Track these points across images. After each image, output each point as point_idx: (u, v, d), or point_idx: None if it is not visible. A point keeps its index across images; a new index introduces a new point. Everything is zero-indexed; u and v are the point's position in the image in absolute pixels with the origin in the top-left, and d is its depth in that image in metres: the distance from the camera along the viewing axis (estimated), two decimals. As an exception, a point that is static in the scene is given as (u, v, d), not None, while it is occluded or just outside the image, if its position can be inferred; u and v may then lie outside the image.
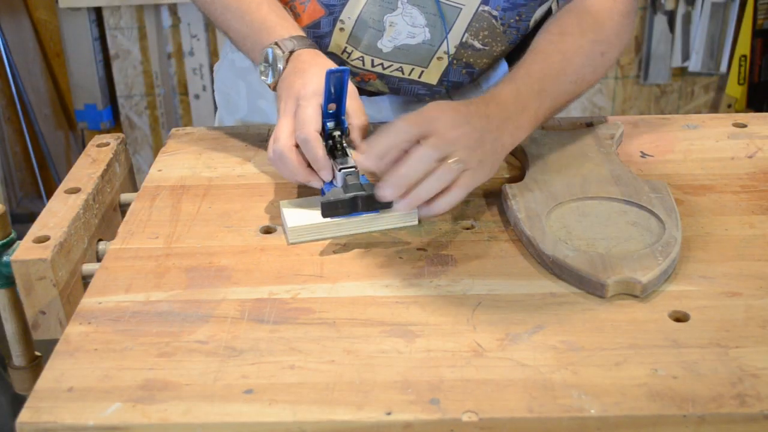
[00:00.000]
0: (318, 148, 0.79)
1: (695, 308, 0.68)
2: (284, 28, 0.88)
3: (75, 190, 0.87)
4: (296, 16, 0.96)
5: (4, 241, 0.78)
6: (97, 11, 2.39)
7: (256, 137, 1.01)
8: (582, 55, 0.89)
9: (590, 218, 0.79)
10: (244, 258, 0.77)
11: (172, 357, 0.64)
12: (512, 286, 0.72)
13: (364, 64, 0.98)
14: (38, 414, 0.59)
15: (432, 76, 0.99)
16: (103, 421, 0.58)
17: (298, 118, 0.80)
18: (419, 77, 0.99)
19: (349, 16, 0.94)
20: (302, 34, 0.89)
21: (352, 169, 0.79)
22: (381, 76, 0.99)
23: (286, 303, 0.71)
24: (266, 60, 0.87)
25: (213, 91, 1.16)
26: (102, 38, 2.43)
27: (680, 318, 0.67)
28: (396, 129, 0.74)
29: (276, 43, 0.86)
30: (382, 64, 0.98)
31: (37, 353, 0.84)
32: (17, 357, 0.82)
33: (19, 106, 2.38)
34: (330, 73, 0.78)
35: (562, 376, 0.61)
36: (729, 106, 2.60)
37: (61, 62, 2.47)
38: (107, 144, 0.96)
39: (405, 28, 0.94)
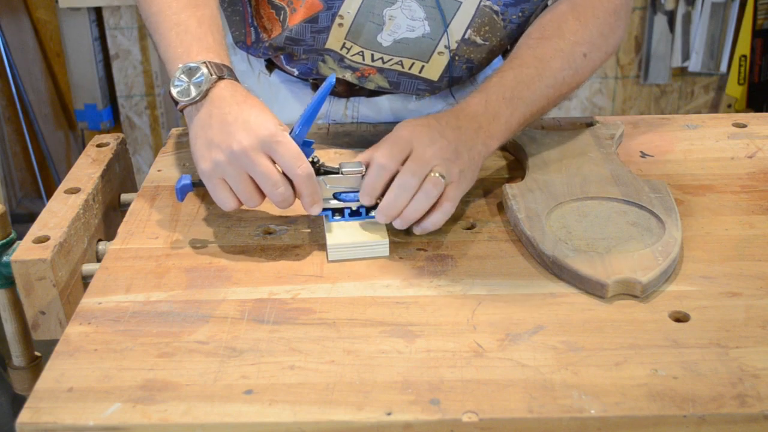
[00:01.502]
0: (317, 184, 0.77)
1: (695, 308, 0.68)
2: (217, 54, 0.82)
3: (75, 190, 0.87)
4: (293, 11, 0.95)
5: (4, 241, 0.78)
6: (97, 11, 2.39)
7: (256, 137, 1.01)
8: (560, 59, 0.88)
9: (590, 218, 0.79)
10: (244, 258, 0.77)
11: (172, 357, 0.64)
12: (512, 286, 0.72)
13: (363, 59, 0.98)
14: (38, 414, 0.59)
15: (433, 71, 0.99)
16: (103, 422, 0.58)
17: (287, 155, 0.74)
18: (420, 72, 0.99)
19: (348, 11, 0.93)
20: (230, 65, 0.83)
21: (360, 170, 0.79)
22: (380, 70, 0.99)
23: (286, 303, 0.71)
24: (188, 74, 0.79)
25: None
26: (102, 38, 2.42)
27: (680, 318, 0.67)
28: (377, 168, 0.77)
29: (207, 63, 0.79)
30: (381, 58, 0.97)
31: (37, 353, 0.84)
32: (17, 357, 0.82)
33: (19, 106, 2.38)
34: (330, 84, 0.76)
35: (562, 376, 0.61)
36: (729, 106, 2.60)
37: (61, 62, 2.47)
38: (107, 144, 0.96)
39: (404, 21, 0.94)
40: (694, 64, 2.55)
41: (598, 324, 0.67)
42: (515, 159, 0.95)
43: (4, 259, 0.77)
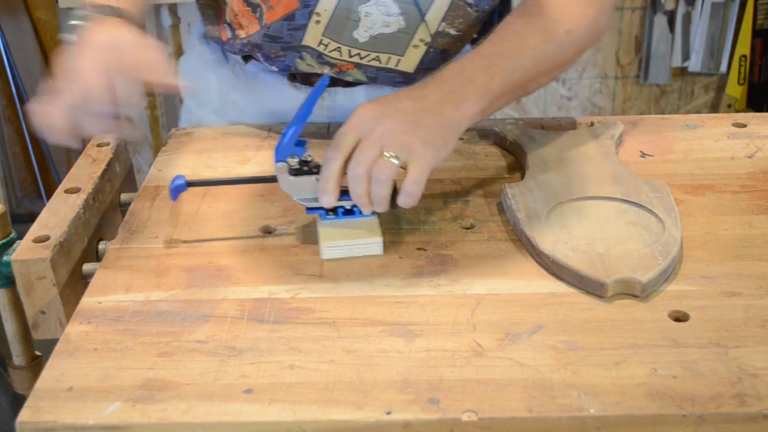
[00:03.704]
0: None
1: (695, 308, 0.68)
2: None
3: (75, 190, 0.87)
4: (269, 9, 0.96)
5: (4, 241, 0.78)
6: (98, 11, 2.39)
7: (256, 137, 1.01)
8: (541, 34, 0.87)
9: (590, 218, 0.79)
10: (244, 258, 0.77)
11: (172, 357, 0.64)
12: (512, 286, 0.72)
13: (341, 55, 0.99)
14: (38, 413, 0.59)
15: (409, 63, 1.01)
16: (103, 421, 0.58)
17: None
18: (396, 65, 1.01)
19: (325, 8, 0.94)
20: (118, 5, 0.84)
21: None
22: (358, 66, 1.00)
23: (286, 303, 0.71)
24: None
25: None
26: (102, 38, 2.42)
27: (680, 318, 0.67)
28: (325, 162, 0.75)
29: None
30: (359, 54, 0.98)
31: (37, 353, 0.84)
32: (17, 357, 0.83)
33: (19, 106, 2.38)
34: (323, 84, 0.76)
35: (562, 375, 0.61)
36: (729, 106, 2.60)
37: (61, 62, 2.47)
38: (107, 144, 0.96)
39: (380, 17, 0.95)
40: (694, 64, 2.55)
41: (597, 324, 0.67)
42: (515, 159, 0.95)
43: (4, 258, 0.77)
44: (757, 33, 2.49)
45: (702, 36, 2.50)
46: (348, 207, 0.79)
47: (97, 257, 0.86)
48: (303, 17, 0.95)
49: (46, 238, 0.78)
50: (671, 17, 2.50)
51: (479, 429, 0.58)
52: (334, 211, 0.79)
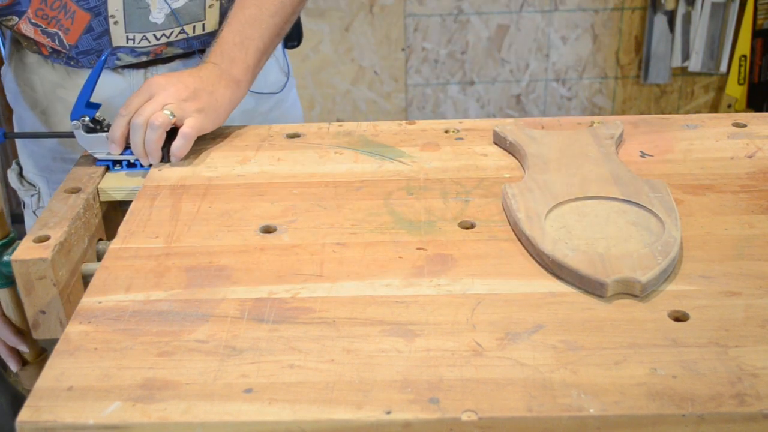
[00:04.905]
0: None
1: (695, 308, 0.68)
2: None
3: (75, 190, 0.87)
4: (66, 32, 1.00)
5: (4, 240, 0.78)
6: (98, 11, 2.39)
7: (256, 137, 1.01)
8: None
9: (590, 218, 0.79)
10: (244, 258, 0.77)
11: (171, 356, 0.64)
12: (512, 286, 0.72)
13: (150, 43, 1.04)
14: (38, 413, 0.59)
15: (212, 23, 1.07)
16: (103, 420, 0.58)
17: None
18: (204, 30, 1.07)
19: (116, 8, 0.99)
20: None
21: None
22: (170, 44, 1.06)
23: (286, 302, 0.71)
24: None
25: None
26: (102, 38, 2.42)
27: (680, 317, 0.68)
28: (116, 117, 0.91)
29: None
30: (164, 34, 1.04)
31: (44, 347, 0.84)
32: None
33: (19, 106, 2.38)
34: (102, 60, 0.90)
35: (562, 375, 0.61)
36: (729, 106, 2.61)
37: (61, 62, 2.47)
38: (107, 144, 0.96)
39: None
40: (694, 64, 2.55)
41: (597, 323, 0.67)
42: (515, 159, 0.95)
43: (5, 258, 0.78)
44: (757, 33, 2.49)
45: (702, 36, 2.51)
46: (132, 161, 0.94)
47: (97, 257, 0.86)
48: (100, 24, 1.00)
49: (46, 238, 0.78)
50: (671, 17, 2.51)
51: (479, 429, 0.58)
52: (120, 163, 0.94)
